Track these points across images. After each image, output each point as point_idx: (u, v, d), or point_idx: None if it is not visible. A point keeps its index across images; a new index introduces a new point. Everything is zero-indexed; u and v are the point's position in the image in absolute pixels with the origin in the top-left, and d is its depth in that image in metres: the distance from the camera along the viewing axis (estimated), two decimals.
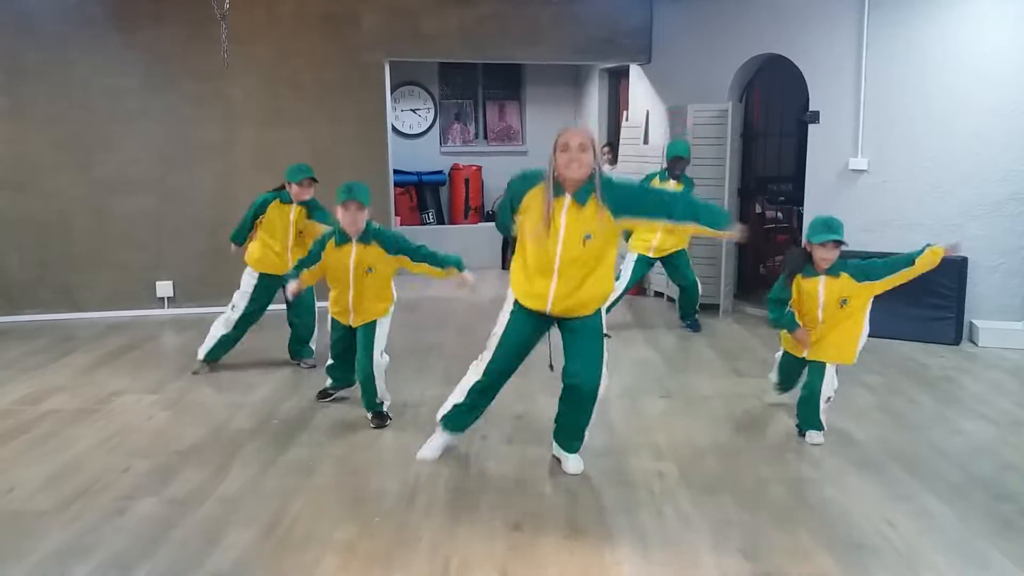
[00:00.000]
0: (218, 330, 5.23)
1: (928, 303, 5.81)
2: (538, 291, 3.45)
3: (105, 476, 3.65)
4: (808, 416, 4.04)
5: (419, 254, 4.16)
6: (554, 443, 3.79)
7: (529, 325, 3.56)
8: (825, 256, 3.85)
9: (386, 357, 4.31)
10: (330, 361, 4.59)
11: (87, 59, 6.83)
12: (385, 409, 4.35)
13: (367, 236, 4.11)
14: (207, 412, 4.51)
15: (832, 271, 3.89)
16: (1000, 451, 3.90)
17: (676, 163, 6.14)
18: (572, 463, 3.68)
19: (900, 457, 3.81)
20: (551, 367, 3.72)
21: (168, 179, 7.05)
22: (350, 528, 3.16)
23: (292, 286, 4.25)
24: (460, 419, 3.78)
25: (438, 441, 3.83)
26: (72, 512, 3.30)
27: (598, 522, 3.21)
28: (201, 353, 5.26)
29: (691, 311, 6.33)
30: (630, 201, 3.40)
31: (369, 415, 4.31)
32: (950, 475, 3.61)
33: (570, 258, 3.37)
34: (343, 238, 4.12)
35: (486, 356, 3.63)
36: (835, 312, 3.92)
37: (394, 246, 4.15)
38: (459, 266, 4.17)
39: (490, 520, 3.21)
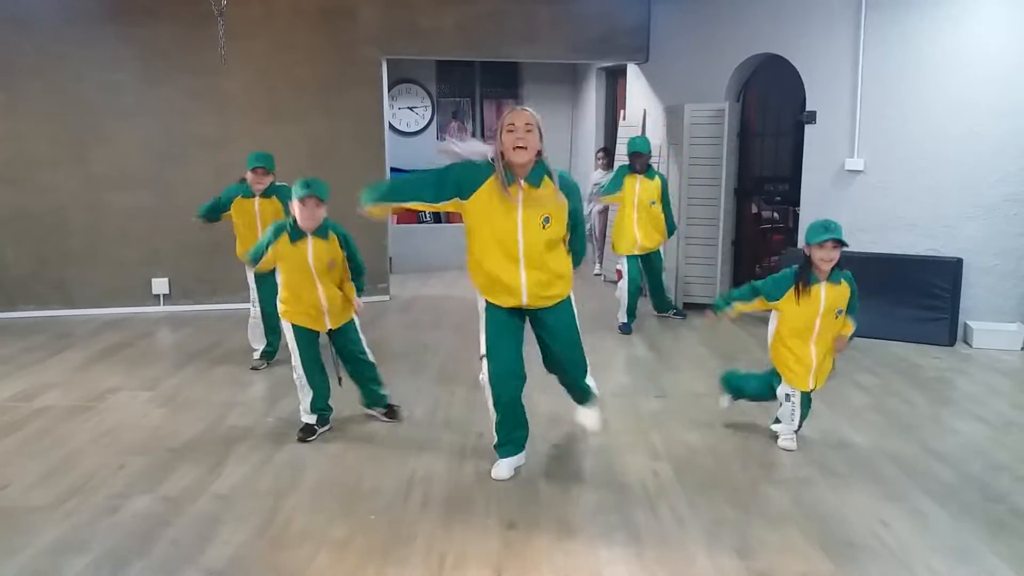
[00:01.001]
0: (256, 334, 5.32)
1: (922, 304, 5.83)
2: (509, 284, 3.39)
3: (99, 473, 3.65)
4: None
5: (356, 262, 4.10)
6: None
7: (508, 314, 3.52)
8: (824, 257, 3.68)
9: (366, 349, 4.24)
10: (310, 393, 4.05)
11: (83, 54, 6.81)
12: (392, 400, 4.35)
13: (323, 230, 3.93)
14: (202, 409, 4.51)
15: (833, 278, 3.75)
16: (993, 452, 3.91)
17: (635, 158, 6.20)
18: (585, 413, 3.88)
19: (894, 457, 3.82)
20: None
21: (164, 175, 7.04)
22: (345, 525, 3.16)
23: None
24: (510, 437, 3.65)
25: (504, 464, 3.64)
26: (66, 509, 3.29)
27: (592, 521, 3.21)
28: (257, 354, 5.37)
29: (667, 302, 6.66)
30: (566, 189, 3.42)
31: (380, 411, 4.30)
32: (943, 475, 3.62)
33: (532, 242, 3.33)
34: (297, 234, 3.88)
35: (485, 367, 3.55)
36: (830, 323, 3.79)
37: (346, 244, 4.03)
38: (360, 290, 4.17)
39: (485, 518, 3.22)
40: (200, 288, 7.14)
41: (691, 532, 3.11)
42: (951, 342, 5.78)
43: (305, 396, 4.06)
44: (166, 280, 7.15)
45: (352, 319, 4.16)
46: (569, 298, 3.58)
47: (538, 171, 3.34)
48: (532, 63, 10.28)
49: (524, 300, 3.43)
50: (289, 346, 4.05)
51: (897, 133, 5.98)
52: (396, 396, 4.70)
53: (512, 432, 3.66)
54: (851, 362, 5.31)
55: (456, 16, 7.45)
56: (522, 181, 3.32)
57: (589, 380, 3.83)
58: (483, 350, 3.57)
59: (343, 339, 4.14)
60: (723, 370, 4.35)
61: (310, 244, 3.91)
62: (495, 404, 3.61)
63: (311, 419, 4.10)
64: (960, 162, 5.77)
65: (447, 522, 3.18)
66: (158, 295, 7.16)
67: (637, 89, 8.38)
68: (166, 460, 3.80)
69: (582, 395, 3.88)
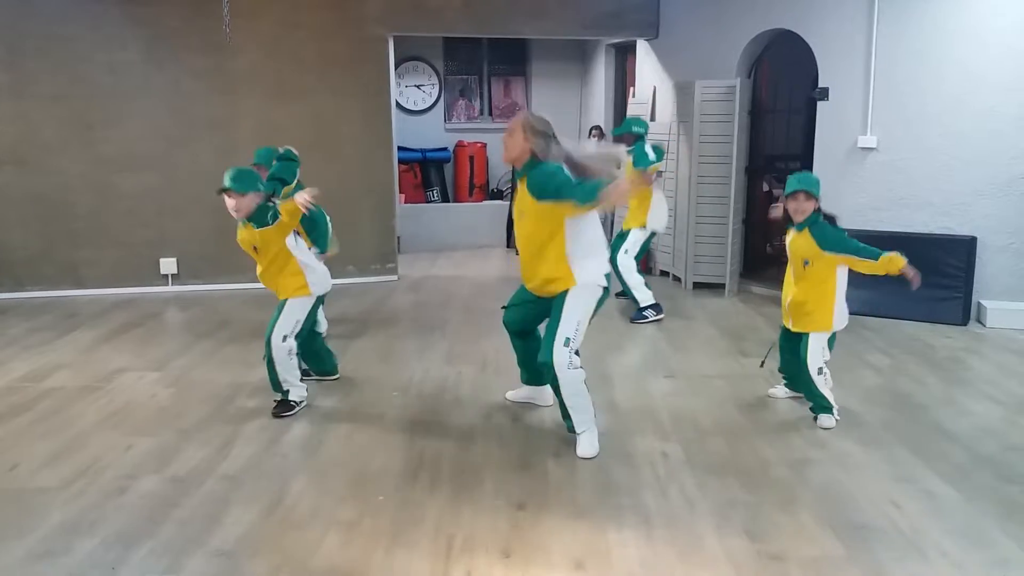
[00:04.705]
0: None
1: (936, 283, 5.75)
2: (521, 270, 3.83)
3: (108, 454, 3.65)
4: (808, 393, 4.02)
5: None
6: None
7: (524, 292, 3.88)
8: (795, 208, 3.86)
9: (290, 343, 4.05)
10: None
11: (89, 34, 6.76)
12: (292, 398, 4.13)
13: (255, 218, 3.96)
14: (210, 390, 4.50)
15: (800, 226, 3.88)
16: (1007, 432, 3.87)
17: (620, 140, 6.15)
18: (578, 445, 3.65)
19: (906, 438, 3.78)
20: None
21: (171, 155, 7.01)
22: (353, 506, 3.15)
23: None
24: (520, 365, 4.16)
25: (522, 390, 4.24)
26: (75, 489, 3.30)
27: (602, 502, 3.19)
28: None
29: (629, 295, 6.06)
30: (540, 184, 3.53)
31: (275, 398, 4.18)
32: (956, 456, 3.59)
33: (518, 233, 3.72)
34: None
35: None
36: (800, 271, 3.91)
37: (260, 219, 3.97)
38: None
39: (494, 499, 3.20)
40: (208, 268, 7.12)
41: (701, 514, 3.09)
42: (964, 321, 5.72)
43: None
44: (174, 260, 7.13)
45: (285, 301, 4.09)
46: (566, 292, 3.60)
47: (521, 171, 3.65)
48: (540, 40, 10.18)
49: (529, 283, 3.78)
50: None
51: (910, 110, 5.89)
52: (404, 376, 4.70)
53: (520, 361, 4.15)
54: (863, 342, 5.27)
55: None
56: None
57: (572, 410, 3.65)
58: None
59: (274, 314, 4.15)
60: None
61: (240, 229, 4.07)
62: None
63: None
64: (975, 139, 5.68)
65: (456, 503, 3.17)
66: (166, 275, 7.15)
67: (647, 66, 8.28)
68: (174, 441, 3.80)
69: (563, 409, 3.68)
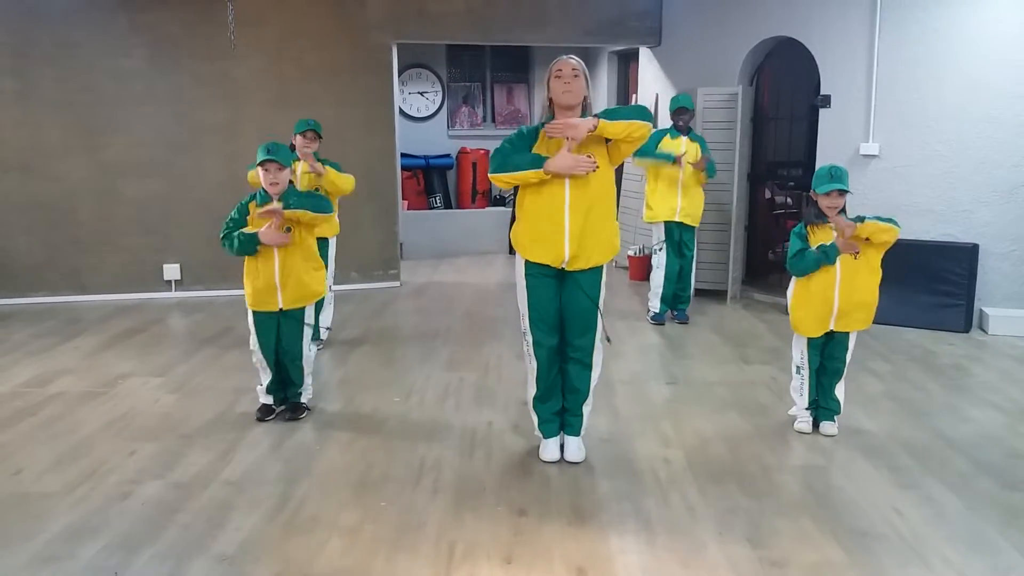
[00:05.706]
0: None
1: (938, 290, 5.77)
2: (553, 237, 3.35)
3: (111, 459, 3.66)
4: (831, 396, 3.93)
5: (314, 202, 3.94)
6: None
7: (549, 282, 3.46)
8: (830, 205, 3.72)
9: (314, 348, 4.20)
10: (269, 375, 4.11)
11: (93, 41, 6.80)
12: (303, 400, 4.21)
13: (286, 196, 3.88)
14: (213, 395, 4.52)
15: (857, 219, 3.74)
16: (1008, 439, 3.87)
17: (679, 115, 5.98)
18: (572, 449, 3.61)
19: (908, 445, 3.78)
20: (608, 340, 3.61)
21: (175, 162, 7.04)
22: (355, 512, 3.16)
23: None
24: (545, 415, 3.62)
25: (550, 446, 3.64)
26: (78, 494, 3.31)
27: (603, 509, 3.20)
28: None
29: (686, 296, 6.17)
30: (613, 111, 3.42)
31: (285, 406, 4.19)
32: (958, 463, 3.59)
33: (579, 182, 3.32)
34: (265, 198, 3.90)
35: (528, 338, 3.53)
36: (850, 262, 3.75)
37: (312, 203, 3.92)
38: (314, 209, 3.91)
39: (495, 505, 3.21)
40: (211, 274, 7.14)
41: (702, 520, 3.09)
42: (966, 328, 5.72)
43: (264, 377, 4.13)
44: (177, 266, 7.16)
45: (304, 309, 4.07)
46: (600, 272, 3.49)
47: (583, 118, 3.38)
48: (543, 47, 10.21)
49: (567, 253, 3.35)
50: (250, 328, 4.09)
51: (912, 117, 5.90)
52: (406, 383, 4.71)
53: (554, 392, 3.58)
54: (865, 349, 5.26)
55: (466, 0, 7.39)
56: None
57: (586, 407, 3.62)
58: (525, 323, 3.52)
59: (288, 326, 4.05)
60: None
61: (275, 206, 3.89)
62: (538, 377, 3.55)
63: (269, 399, 4.17)
64: (976, 146, 5.69)
65: (457, 509, 3.17)
66: (170, 281, 7.17)
67: (649, 73, 8.30)
68: (177, 446, 3.81)
69: (573, 407, 3.60)
